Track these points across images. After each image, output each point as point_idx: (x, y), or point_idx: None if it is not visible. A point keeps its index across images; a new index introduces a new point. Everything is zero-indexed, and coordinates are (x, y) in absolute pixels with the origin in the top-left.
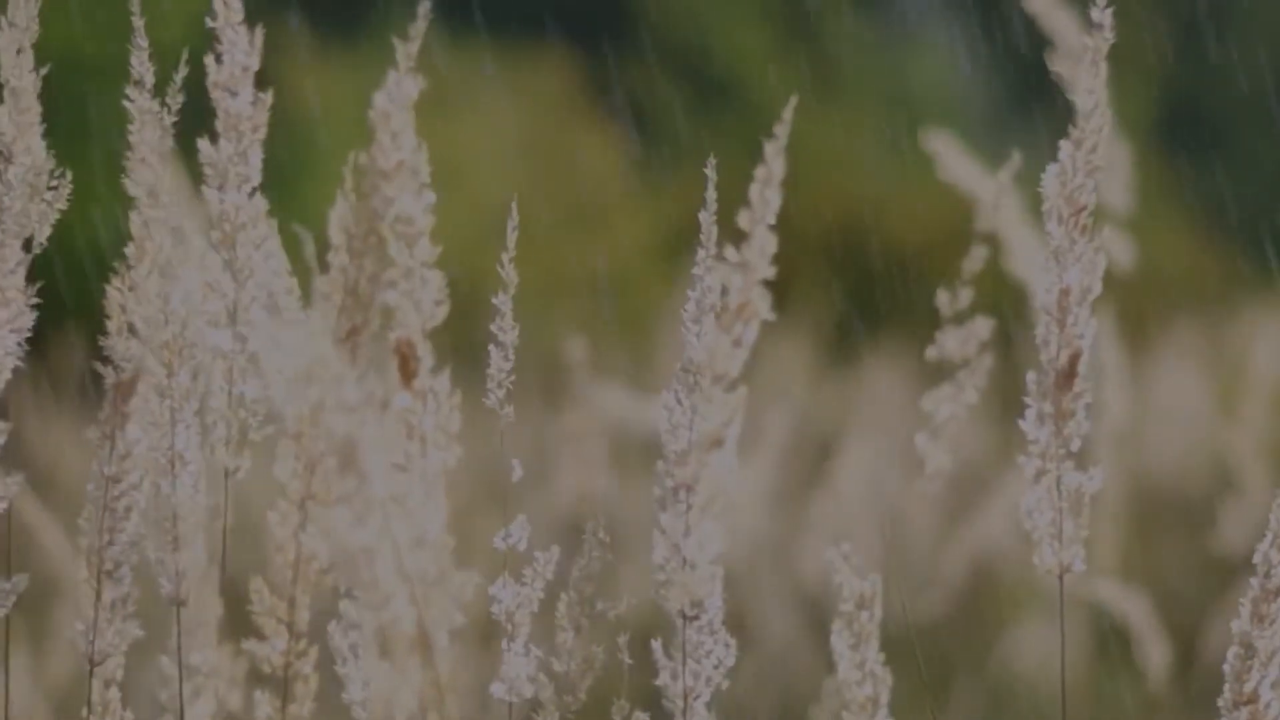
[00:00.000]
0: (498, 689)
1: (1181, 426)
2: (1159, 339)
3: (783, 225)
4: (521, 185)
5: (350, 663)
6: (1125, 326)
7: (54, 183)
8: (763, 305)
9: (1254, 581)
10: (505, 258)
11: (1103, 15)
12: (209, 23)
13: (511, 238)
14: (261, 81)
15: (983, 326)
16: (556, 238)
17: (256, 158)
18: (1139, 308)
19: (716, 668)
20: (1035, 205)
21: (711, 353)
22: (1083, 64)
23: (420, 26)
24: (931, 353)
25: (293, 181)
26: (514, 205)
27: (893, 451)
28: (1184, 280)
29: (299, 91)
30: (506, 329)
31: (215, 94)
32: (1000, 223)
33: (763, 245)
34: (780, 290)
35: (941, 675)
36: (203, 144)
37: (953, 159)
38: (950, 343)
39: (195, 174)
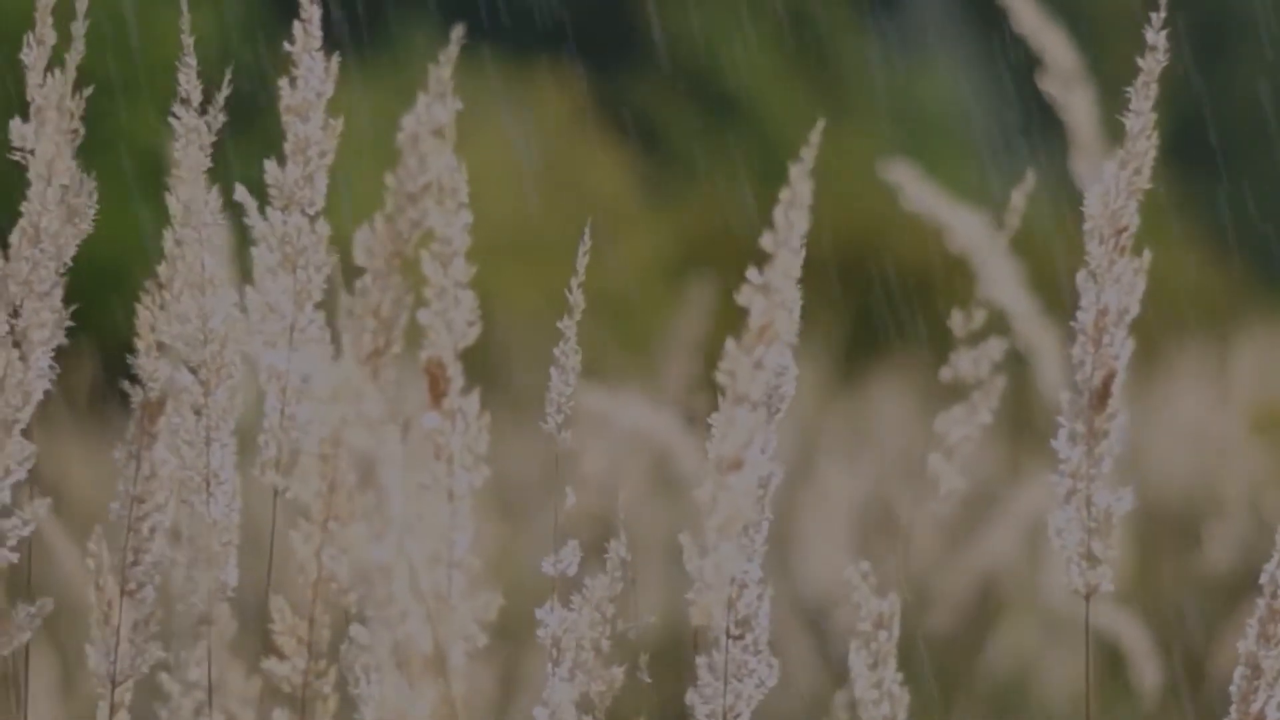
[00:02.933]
0: (540, 714)
1: (1188, 445)
2: (1165, 357)
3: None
4: (530, 203)
5: (363, 684)
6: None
7: (79, 194)
8: (786, 328)
9: (1261, 602)
10: (574, 282)
11: (1157, 38)
12: (286, 47)
13: (582, 261)
14: (261, 102)
15: (995, 347)
16: (565, 255)
17: (322, 182)
18: (1146, 327)
19: (759, 687)
20: (1021, 229)
21: (732, 374)
22: (1135, 85)
23: (453, 51)
24: (945, 373)
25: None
26: (587, 229)
27: (902, 470)
28: (1192, 298)
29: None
30: (570, 353)
31: (286, 118)
32: (978, 250)
33: (787, 268)
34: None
35: (948, 691)
36: (269, 165)
37: (916, 189)
38: (964, 364)
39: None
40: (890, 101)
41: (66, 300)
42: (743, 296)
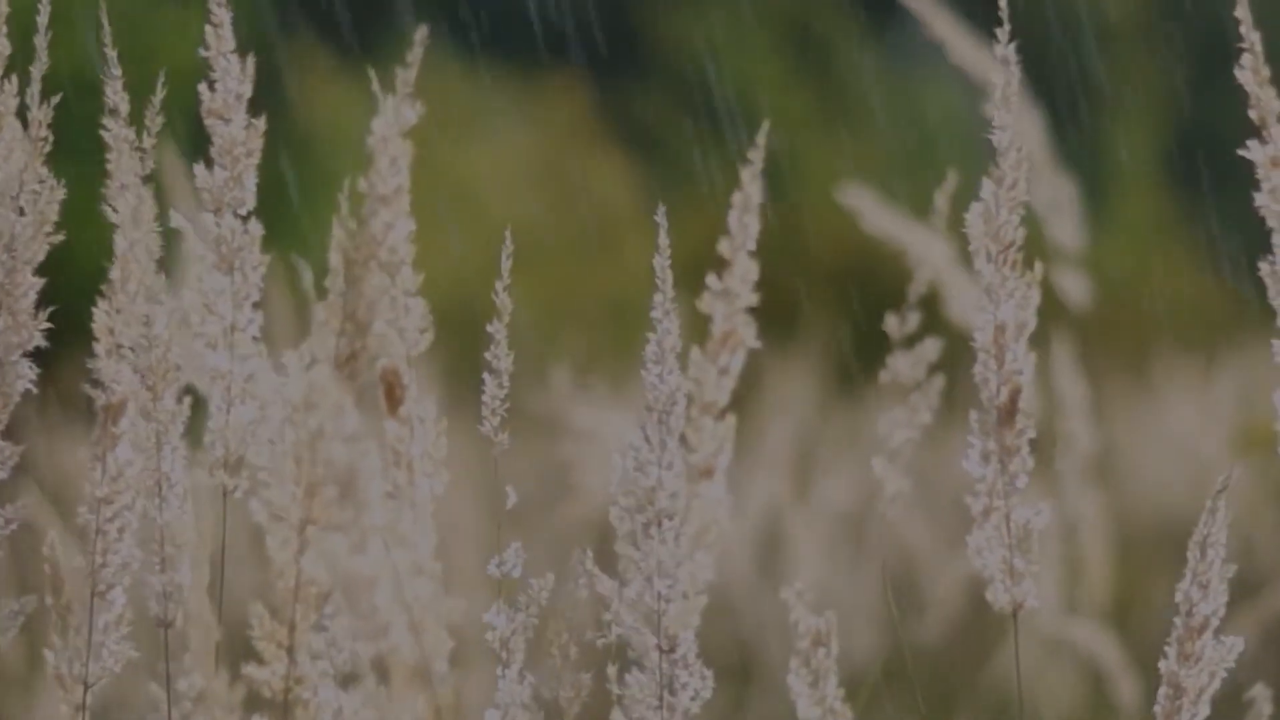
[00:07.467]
0: (492, 715)
1: (1175, 462)
2: (1158, 371)
3: (790, 254)
4: (531, 211)
5: (320, 692)
6: (1118, 361)
7: (50, 201)
8: (748, 333)
9: (1177, 620)
10: (500, 285)
11: (1007, 51)
12: (201, 52)
13: (505, 265)
14: (271, 105)
15: (931, 348)
16: (565, 263)
17: (251, 182)
18: (1139, 341)
19: (694, 699)
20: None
21: (699, 382)
22: (994, 101)
23: (417, 53)
24: (884, 376)
25: (309, 203)
26: (507, 233)
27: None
28: (1191, 311)
29: (313, 114)
30: (501, 356)
31: (209, 121)
32: (935, 267)
33: (745, 272)
34: (789, 317)
35: (935, 703)
36: (198, 169)
37: (872, 212)
38: (901, 365)
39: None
40: (893, 112)
41: (69, 305)
42: (703, 303)
